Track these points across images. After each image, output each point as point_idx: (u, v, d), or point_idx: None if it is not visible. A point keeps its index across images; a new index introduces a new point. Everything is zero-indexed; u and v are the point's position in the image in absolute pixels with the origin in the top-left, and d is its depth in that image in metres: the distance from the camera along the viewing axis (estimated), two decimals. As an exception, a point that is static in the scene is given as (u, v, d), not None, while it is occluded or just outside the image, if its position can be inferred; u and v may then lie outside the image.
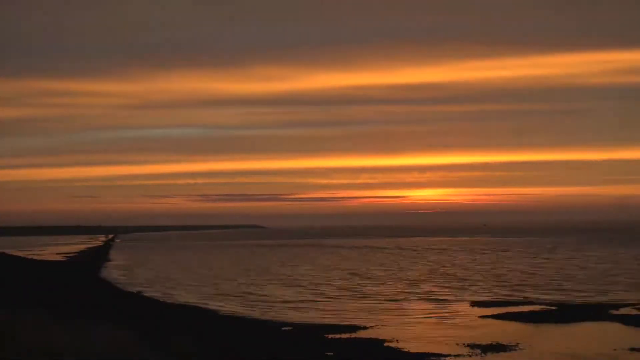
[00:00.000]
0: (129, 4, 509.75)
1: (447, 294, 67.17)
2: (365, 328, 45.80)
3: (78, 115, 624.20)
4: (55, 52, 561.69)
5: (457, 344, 39.15)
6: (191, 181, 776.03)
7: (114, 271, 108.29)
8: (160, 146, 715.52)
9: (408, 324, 48.14)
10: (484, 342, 39.33)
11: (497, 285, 75.00)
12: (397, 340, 40.35)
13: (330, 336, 41.83)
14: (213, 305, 61.02)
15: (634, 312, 52.38)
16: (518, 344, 38.94)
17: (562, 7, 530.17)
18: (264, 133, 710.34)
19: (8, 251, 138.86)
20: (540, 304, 58.36)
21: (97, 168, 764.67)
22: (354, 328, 45.55)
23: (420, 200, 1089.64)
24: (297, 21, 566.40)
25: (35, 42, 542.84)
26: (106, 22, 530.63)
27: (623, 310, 53.05)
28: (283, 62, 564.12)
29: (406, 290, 71.70)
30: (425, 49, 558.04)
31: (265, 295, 69.06)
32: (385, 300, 63.65)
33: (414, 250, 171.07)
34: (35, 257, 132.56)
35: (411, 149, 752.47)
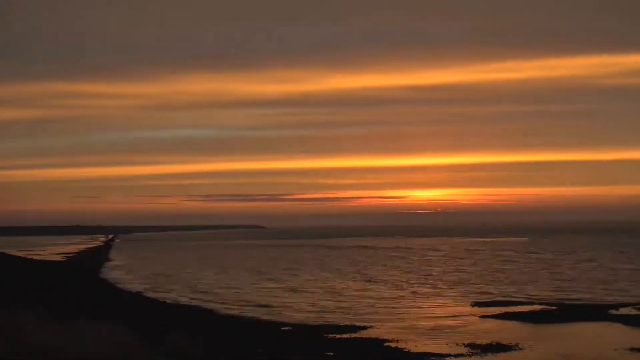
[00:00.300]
0: (144, 6, 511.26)
1: (448, 293, 67.25)
2: (365, 328, 45.78)
3: (82, 116, 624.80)
4: (60, 55, 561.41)
5: (457, 344, 39.15)
6: (196, 182, 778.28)
7: (114, 271, 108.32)
8: (164, 147, 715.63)
9: (408, 324, 48.13)
10: (484, 342, 39.32)
11: None
12: (397, 340, 40.33)
13: (330, 336, 41.82)
14: (212, 304, 61.01)
15: (634, 312, 52.41)
16: (518, 344, 38.93)
17: (575, 10, 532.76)
18: (269, 134, 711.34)
19: (8, 251, 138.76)
20: (540, 303, 58.36)
21: (99, 169, 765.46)
22: (354, 328, 45.53)
23: (421, 200, 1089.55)
24: (310, 24, 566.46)
25: (42, 44, 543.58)
26: (120, 24, 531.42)
27: (623, 310, 53.07)
28: (294, 64, 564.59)
29: (408, 288, 71.81)
30: (433, 52, 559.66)
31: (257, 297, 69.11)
32: (385, 300, 63.69)
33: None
34: (35, 257, 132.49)
35: (413, 149, 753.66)
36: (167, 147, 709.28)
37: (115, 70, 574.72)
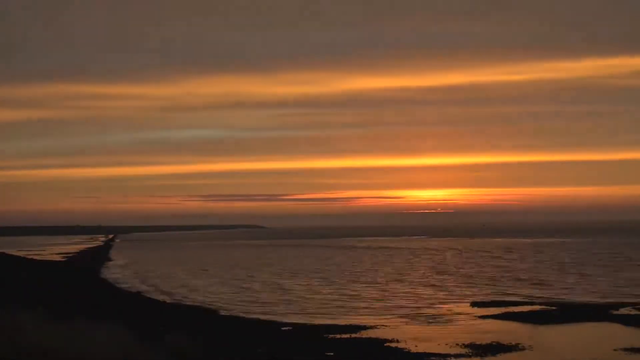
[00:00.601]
0: (161, 10, 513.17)
1: (448, 294, 67.25)
2: (365, 328, 45.77)
3: (82, 118, 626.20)
4: (61, 57, 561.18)
5: (457, 344, 39.13)
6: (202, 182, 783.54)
7: (114, 271, 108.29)
8: (165, 148, 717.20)
9: (408, 324, 48.13)
10: (484, 342, 39.31)
11: None
12: (397, 340, 40.30)
13: (330, 336, 41.80)
14: (212, 304, 60.97)
15: (634, 312, 52.39)
16: (518, 344, 38.92)
17: (580, 15, 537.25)
18: (269, 135, 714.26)
19: (8, 251, 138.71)
20: (540, 304, 58.33)
21: (99, 169, 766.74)
22: (354, 328, 45.51)
23: (421, 200, 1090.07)
24: (322, 29, 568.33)
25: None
26: (126, 25, 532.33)
27: (623, 310, 53.04)
28: (298, 67, 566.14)
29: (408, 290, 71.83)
30: (438, 55, 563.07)
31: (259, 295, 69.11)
32: (386, 300, 63.71)
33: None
34: (35, 257, 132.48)
35: (413, 149, 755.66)
36: (167, 148, 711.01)
37: (118, 72, 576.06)
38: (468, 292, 68.60)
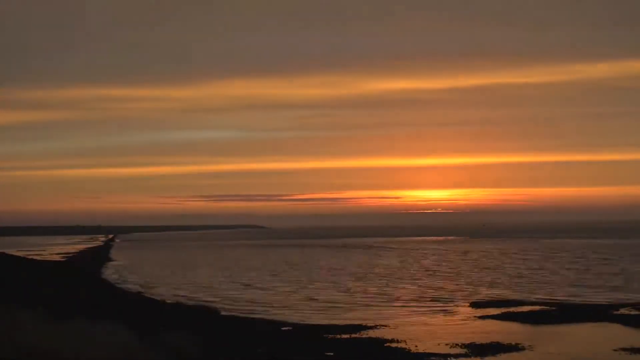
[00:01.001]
0: (177, 13, 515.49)
1: (448, 294, 67.26)
2: (365, 328, 45.74)
3: (83, 119, 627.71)
4: (66, 57, 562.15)
5: (457, 344, 39.11)
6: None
7: (115, 271, 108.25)
8: (166, 148, 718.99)
9: (408, 324, 48.11)
10: (484, 342, 39.30)
11: None
12: (397, 340, 40.29)
13: (330, 336, 41.78)
14: (213, 304, 60.93)
15: (634, 312, 52.36)
16: (518, 344, 38.91)
17: (586, 20, 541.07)
18: (270, 136, 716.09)
19: (8, 251, 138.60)
20: (540, 304, 58.30)
21: (100, 170, 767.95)
22: (354, 328, 45.48)
23: (419, 200, 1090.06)
24: (337, 33, 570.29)
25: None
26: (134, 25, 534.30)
27: (623, 310, 53.02)
28: (309, 70, 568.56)
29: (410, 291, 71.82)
30: (440, 58, 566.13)
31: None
32: (386, 300, 63.71)
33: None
34: (35, 257, 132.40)
35: (413, 150, 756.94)
36: (168, 149, 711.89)
37: (119, 74, 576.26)
38: (468, 292, 68.62)
